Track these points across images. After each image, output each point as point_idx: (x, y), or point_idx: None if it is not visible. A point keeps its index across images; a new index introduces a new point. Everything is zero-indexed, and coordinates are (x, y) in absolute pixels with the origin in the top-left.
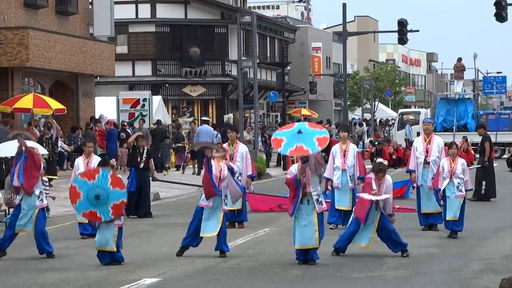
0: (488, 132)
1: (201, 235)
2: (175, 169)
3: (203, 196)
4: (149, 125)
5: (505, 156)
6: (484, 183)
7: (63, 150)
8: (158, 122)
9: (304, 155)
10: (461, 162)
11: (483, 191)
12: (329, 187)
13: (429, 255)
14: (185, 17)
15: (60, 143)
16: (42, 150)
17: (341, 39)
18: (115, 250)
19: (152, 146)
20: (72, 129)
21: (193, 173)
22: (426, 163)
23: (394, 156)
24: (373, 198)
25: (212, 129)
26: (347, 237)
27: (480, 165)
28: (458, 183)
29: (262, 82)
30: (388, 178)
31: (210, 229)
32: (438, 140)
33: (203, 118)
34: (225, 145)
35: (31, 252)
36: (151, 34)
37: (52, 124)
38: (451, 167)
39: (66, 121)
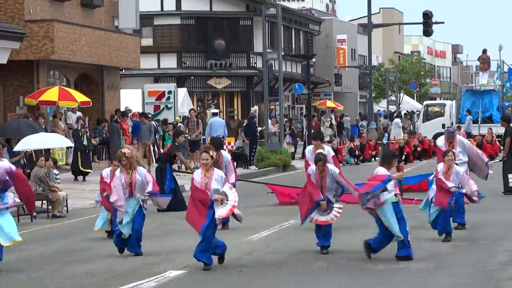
0: None
1: None
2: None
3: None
4: (174, 118)
5: None
6: (510, 176)
7: None
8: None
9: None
10: (455, 172)
11: (510, 184)
12: None
13: (454, 247)
14: (210, 10)
15: None
16: (67, 143)
17: (366, 31)
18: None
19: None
20: (97, 122)
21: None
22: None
23: (419, 148)
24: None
25: (224, 121)
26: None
27: (500, 160)
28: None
29: (287, 74)
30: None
31: None
32: (461, 142)
33: (213, 111)
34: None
35: (56, 245)
36: (176, 27)
37: (84, 119)
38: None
39: (92, 114)
